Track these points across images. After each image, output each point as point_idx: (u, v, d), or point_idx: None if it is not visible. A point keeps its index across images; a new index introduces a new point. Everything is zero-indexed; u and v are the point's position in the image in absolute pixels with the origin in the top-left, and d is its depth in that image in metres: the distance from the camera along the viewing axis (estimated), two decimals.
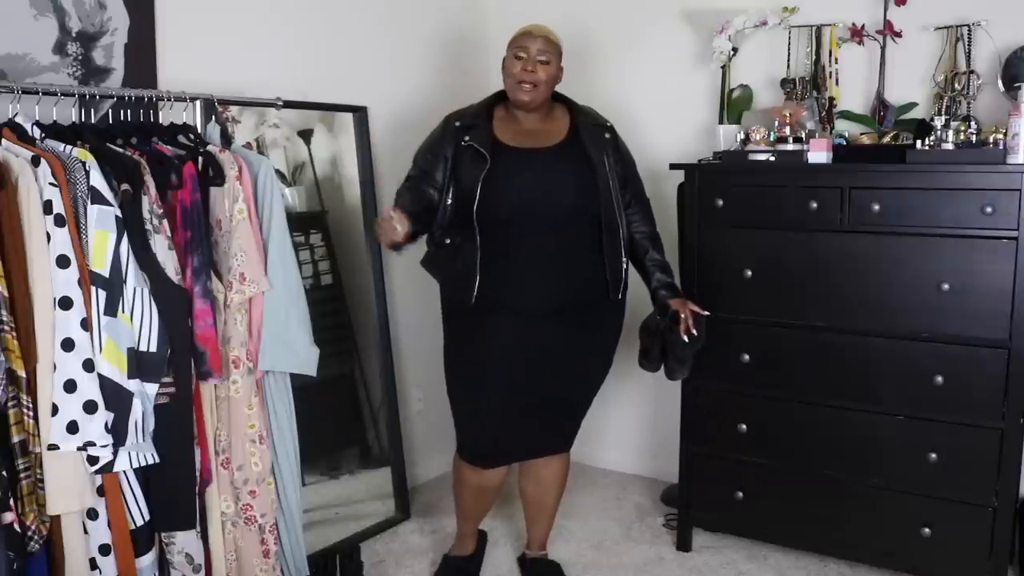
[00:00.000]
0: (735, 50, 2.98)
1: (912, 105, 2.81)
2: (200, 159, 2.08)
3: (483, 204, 2.29)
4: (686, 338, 2.36)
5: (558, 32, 2.42)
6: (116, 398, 1.82)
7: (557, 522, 2.78)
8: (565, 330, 2.37)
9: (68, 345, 1.76)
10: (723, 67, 3.01)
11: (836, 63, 2.89)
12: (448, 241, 2.37)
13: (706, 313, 2.42)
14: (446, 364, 2.49)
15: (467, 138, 2.34)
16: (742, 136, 2.74)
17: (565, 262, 2.34)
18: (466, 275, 2.31)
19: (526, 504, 2.69)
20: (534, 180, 2.32)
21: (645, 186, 2.52)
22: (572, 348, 2.40)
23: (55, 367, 1.76)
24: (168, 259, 1.95)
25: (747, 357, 2.68)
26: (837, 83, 2.89)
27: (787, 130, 2.67)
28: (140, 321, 1.86)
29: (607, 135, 2.45)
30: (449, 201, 2.34)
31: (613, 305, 2.46)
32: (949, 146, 2.43)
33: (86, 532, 1.88)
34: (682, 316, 2.38)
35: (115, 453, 1.83)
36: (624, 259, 2.41)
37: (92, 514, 1.89)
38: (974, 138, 2.47)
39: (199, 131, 2.25)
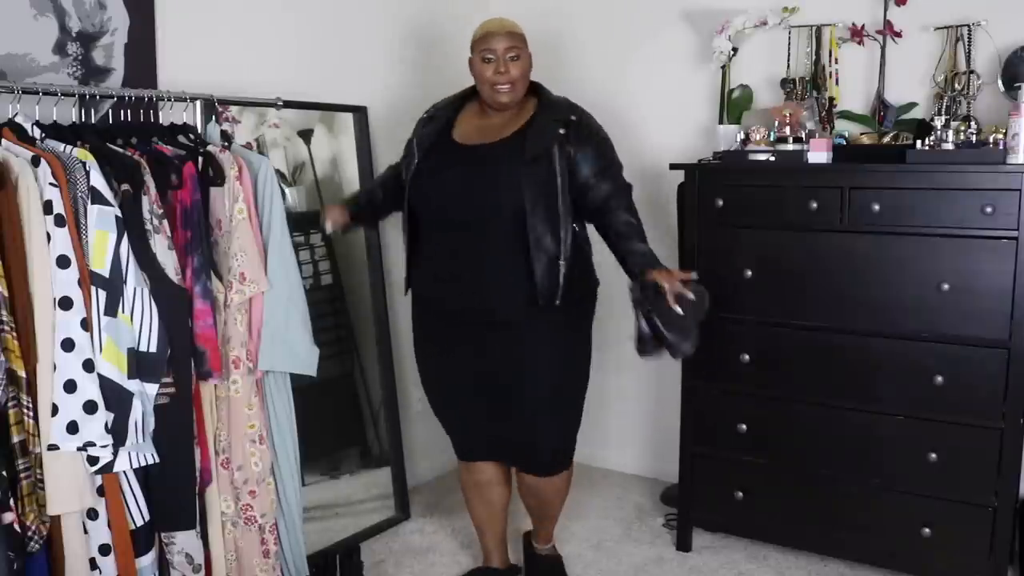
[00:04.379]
0: (735, 50, 2.98)
1: (912, 105, 2.81)
2: (200, 159, 2.08)
3: (411, 200, 2.33)
4: (679, 309, 2.07)
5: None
6: (116, 398, 1.82)
7: (558, 521, 2.77)
8: (507, 342, 2.27)
9: (68, 345, 1.76)
10: (723, 67, 3.01)
11: (836, 63, 2.89)
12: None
13: (693, 275, 2.14)
14: None
15: (421, 130, 2.39)
16: (742, 136, 2.74)
17: (493, 267, 2.23)
18: (407, 267, 2.42)
19: (527, 509, 2.65)
20: (456, 178, 2.26)
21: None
22: (517, 363, 2.28)
23: (55, 367, 1.76)
24: (168, 259, 1.95)
25: (747, 357, 2.68)
26: (837, 83, 2.89)
27: (787, 130, 2.67)
28: (140, 321, 1.86)
29: (561, 129, 2.23)
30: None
31: (567, 307, 2.26)
32: (949, 146, 2.43)
33: (86, 532, 1.88)
34: (666, 287, 2.09)
35: (115, 453, 1.83)
36: (563, 262, 2.21)
37: (92, 514, 1.89)
38: (974, 138, 2.47)
39: (199, 131, 2.25)
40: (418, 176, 2.32)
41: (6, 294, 1.70)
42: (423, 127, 2.39)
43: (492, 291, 2.25)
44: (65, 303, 1.76)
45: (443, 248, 2.31)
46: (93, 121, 2.13)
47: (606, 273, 3.39)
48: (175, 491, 2.01)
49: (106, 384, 1.81)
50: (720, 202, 2.68)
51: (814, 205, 2.53)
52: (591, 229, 2.39)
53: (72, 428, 1.76)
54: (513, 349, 2.28)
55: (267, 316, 2.16)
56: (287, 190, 2.80)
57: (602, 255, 2.38)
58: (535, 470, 2.42)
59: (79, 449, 1.79)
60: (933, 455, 2.44)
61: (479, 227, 2.24)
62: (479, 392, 2.37)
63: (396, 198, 2.43)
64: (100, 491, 1.89)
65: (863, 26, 2.85)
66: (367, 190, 2.66)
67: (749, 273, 2.65)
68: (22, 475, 1.75)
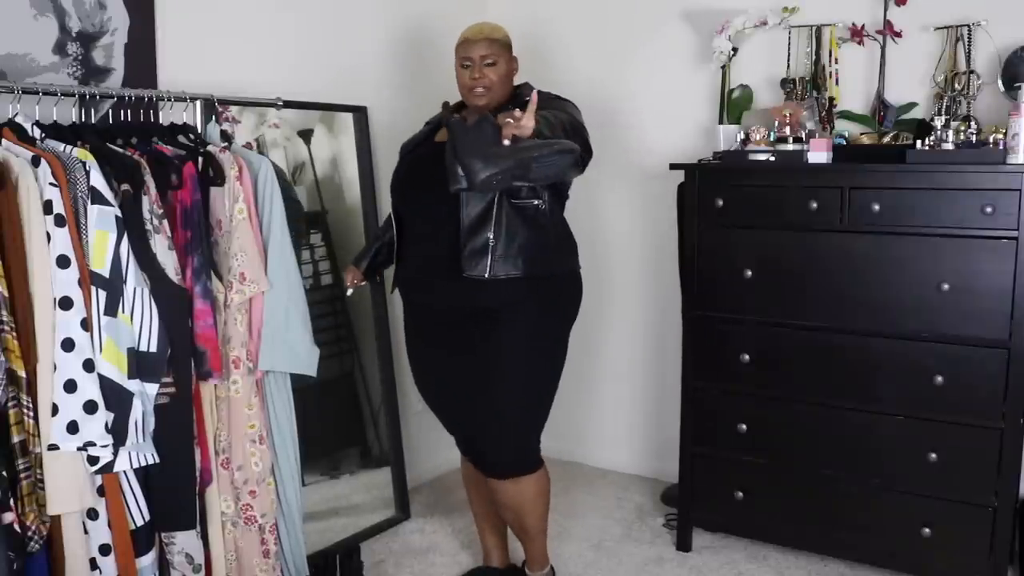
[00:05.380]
0: (735, 50, 2.98)
1: (912, 105, 2.81)
2: (200, 159, 2.08)
3: (393, 199, 2.42)
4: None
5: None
6: (116, 398, 1.82)
7: (557, 521, 2.76)
8: (468, 340, 2.29)
9: (68, 345, 1.76)
10: (723, 67, 3.01)
11: (836, 63, 2.89)
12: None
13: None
14: None
15: (412, 135, 2.47)
16: (742, 136, 2.74)
17: (445, 260, 2.23)
18: (395, 266, 2.45)
19: (509, 526, 2.56)
20: (422, 175, 2.32)
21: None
22: (475, 361, 2.29)
23: (55, 367, 1.76)
24: (168, 259, 1.95)
25: (747, 357, 2.68)
26: (837, 83, 2.89)
27: (787, 130, 2.67)
28: (140, 321, 1.86)
29: (516, 111, 2.09)
30: None
31: (530, 306, 2.25)
32: (949, 146, 2.43)
33: (86, 532, 1.88)
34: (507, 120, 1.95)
35: (115, 453, 1.83)
36: (490, 237, 2.17)
37: (92, 514, 1.89)
38: (974, 138, 2.47)
39: (199, 131, 2.25)
40: (395, 175, 2.44)
41: (6, 294, 1.70)
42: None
43: (451, 285, 2.24)
44: (65, 303, 1.76)
45: (415, 243, 2.34)
46: (93, 121, 2.13)
47: (608, 280, 3.40)
48: (175, 491, 2.01)
49: (106, 384, 1.81)
50: (720, 202, 2.68)
51: (814, 205, 2.53)
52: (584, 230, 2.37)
53: (72, 428, 1.76)
54: (476, 344, 2.28)
55: (267, 316, 2.16)
56: (295, 189, 2.81)
57: (598, 254, 2.37)
58: (491, 471, 2.35)
59: (79, 449, 1.79)
60: (933, 455, 2.44)
61: (439, 221, 2.24)
62: (451, 388, 2.39)
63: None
64: (100, 491, 1.89)
65: (863, 26, 2.85)
66: (376, 236, 2.64)
67: (749, 273, 2.65)
68: (22, 475, 1.75)
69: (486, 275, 2.18)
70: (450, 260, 2.21)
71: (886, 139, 2.74)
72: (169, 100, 2.19)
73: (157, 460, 1.92)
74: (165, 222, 1.97)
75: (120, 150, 1.97)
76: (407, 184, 2.39)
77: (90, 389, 1.78)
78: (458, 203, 2.18)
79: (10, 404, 1.73)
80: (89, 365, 1.79)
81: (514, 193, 2.19)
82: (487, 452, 2.36)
